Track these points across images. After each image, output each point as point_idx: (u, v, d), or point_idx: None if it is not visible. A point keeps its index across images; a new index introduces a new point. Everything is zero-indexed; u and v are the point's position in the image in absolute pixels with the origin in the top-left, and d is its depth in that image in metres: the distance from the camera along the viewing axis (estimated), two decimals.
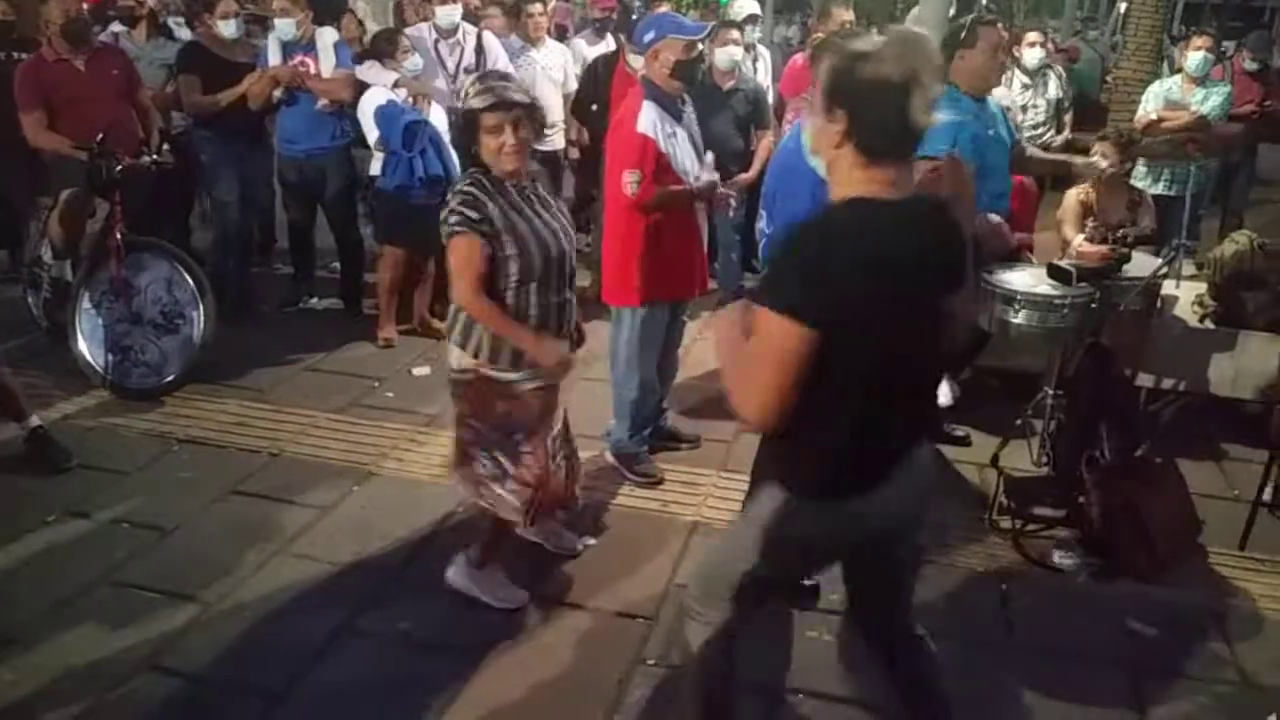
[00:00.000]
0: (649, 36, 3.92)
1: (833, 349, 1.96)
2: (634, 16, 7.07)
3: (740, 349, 2.04)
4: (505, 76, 3.18)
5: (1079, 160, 4.95)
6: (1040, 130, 6.46)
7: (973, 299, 2.31)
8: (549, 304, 3.10)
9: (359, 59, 5.80)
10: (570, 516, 3.77)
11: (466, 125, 3.02)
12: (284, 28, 5.55)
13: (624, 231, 3.94)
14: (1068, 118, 6.74)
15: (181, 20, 7.26)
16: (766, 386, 1.97)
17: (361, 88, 5.52)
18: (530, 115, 3.02)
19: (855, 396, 2.06)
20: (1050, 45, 9.54)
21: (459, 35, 6.04)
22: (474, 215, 2.94)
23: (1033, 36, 6.55)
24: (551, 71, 6.48)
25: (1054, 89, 6.54)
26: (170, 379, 4.90)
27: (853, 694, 3.07)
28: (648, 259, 3.93)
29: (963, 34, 4.15)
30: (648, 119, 3.82)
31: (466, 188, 2.99)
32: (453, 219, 2.94)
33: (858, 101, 1.99)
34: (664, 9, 6.29)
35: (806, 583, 3.52)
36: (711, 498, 4.10)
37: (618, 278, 4.02)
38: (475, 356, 3.08)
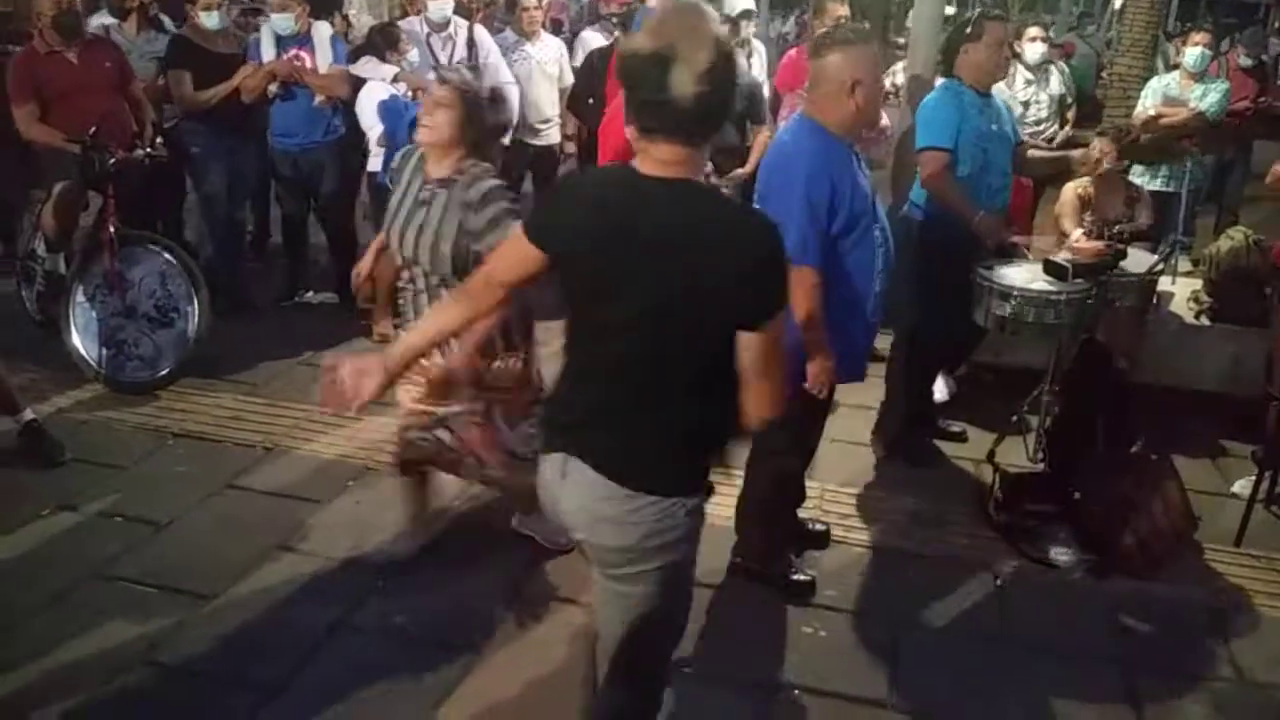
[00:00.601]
0: None
1: (565, 292, 2.10)
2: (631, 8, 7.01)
3: None
4: (476, 69, 3.30)
5: (1076, 153, 4.95)
6: (1043, 126, 6.45)
7: (777, 357, 2.01)
8: (406, 288, 3.29)
9: (351, 55, 5.77)
10: None
11: None
12: (281, 22, 5.51)
13: None
14: (1071, 114, 6.73)
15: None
16: (486, 274, 2.21)
17: (355, 83, 5.50)
18: (469, 105, 3.08)
19: (576, 348, 2.15)
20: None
21: (450, 29, 6.00)
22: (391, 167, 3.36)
23: (1034, 31, 6.53)
24: (547, 66, 6.44)
25: (1056, 84, 6.52)
26: (164, 373, 4.88)
27: (848, 689, 3.07)
28: None
29: (968, 28, 4.16)
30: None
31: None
32: None
33: (625, 78, 1.98)
34: (653, 3, 6.26)
35: (801, 577, 3.54)
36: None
37: None
38: None
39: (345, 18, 7.54)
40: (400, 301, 3.37)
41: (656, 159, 1.96)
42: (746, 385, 1.98)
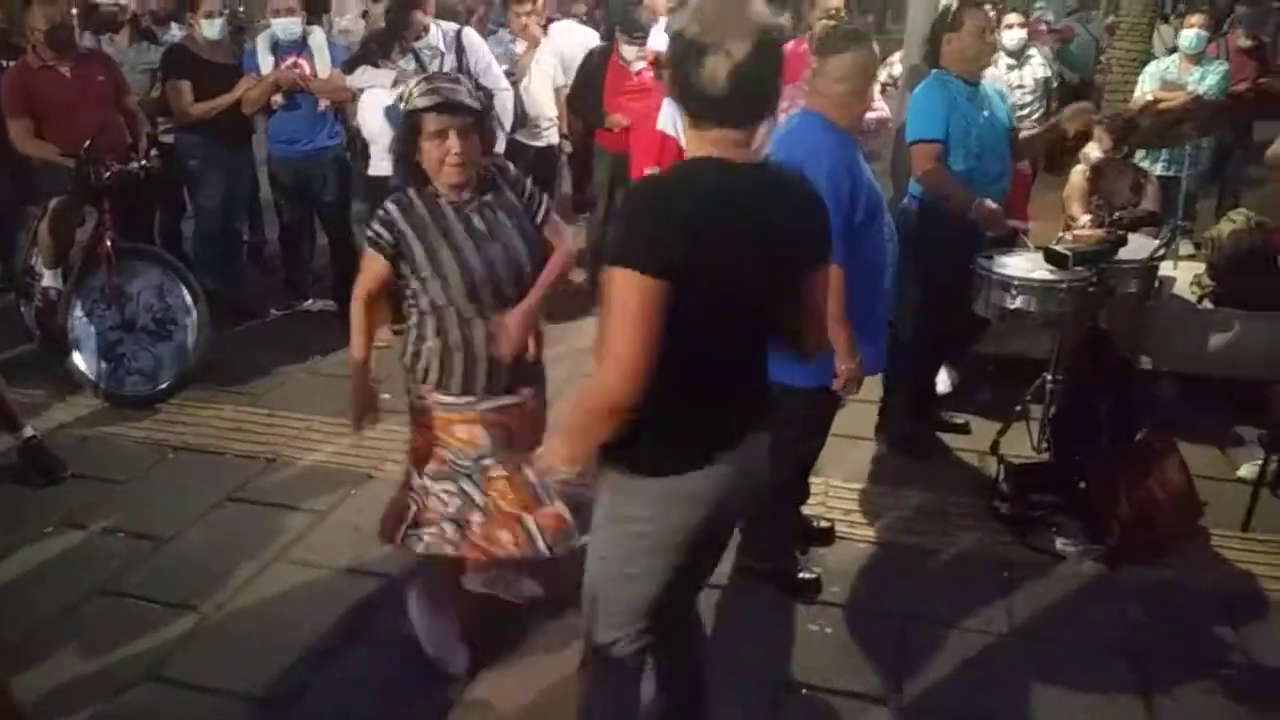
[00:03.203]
0: None
1: (677, 305, 1.91)
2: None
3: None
4: (457, 80, 2.89)
5: (1067, 110, 4.81)
6: (1027, 110, 6.43)
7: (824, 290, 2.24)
8: (474, 330, 2.83)
9: (346, 66, 5.72)
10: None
11: (407, 130, 2.75)
12: (288, 27, 5.48)
13: None
14: (1055, 96, 6.70)
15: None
16: (630, 344, 1.89)
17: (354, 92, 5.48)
18: (480, 126, 2.78)
19: (692, 360, 2.00)
20: (1043, 26, 9.47)
21: (437, 40, 5.62)
22: (386, 236, 2.80)
23: (1010, 18, 6.53)
24: (544, 66, 6.42)
25: (1039, 68, 6.50)
26: (164, 386, 4.88)
27: (854, 686, 3.06)
28: None
29: (949, 18, 4.14)
30: (667, 116, 3.80)
31: (388, 205, 2.82)
32: (368, 233, 2.85)
33: (669, 65, 2.05)
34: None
35: (806, 575, 3.52)
36: None
37: None
38: (423, 380, 2.94)
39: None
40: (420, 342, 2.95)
41: (711, 141, 2.00)
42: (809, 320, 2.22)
